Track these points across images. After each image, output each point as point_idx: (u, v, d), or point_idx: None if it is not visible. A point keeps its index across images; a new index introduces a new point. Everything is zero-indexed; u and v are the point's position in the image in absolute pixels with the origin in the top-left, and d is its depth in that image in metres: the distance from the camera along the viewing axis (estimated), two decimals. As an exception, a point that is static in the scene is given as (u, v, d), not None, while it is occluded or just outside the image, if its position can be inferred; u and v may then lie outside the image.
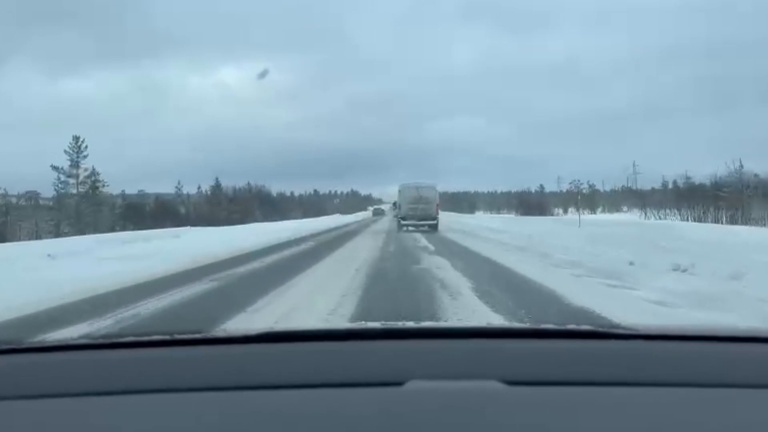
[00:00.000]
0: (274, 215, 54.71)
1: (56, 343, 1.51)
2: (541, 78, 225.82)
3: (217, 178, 67.91)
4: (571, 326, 1.56)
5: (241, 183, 71.62)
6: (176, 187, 72.56)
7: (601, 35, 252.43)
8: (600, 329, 1.48)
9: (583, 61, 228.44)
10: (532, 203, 78.37)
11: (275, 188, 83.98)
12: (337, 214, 69.85)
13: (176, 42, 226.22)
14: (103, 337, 2.10)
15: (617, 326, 1.68)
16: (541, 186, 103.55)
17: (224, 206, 61.60)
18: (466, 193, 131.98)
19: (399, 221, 29.03)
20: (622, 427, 0.97)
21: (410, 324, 1.63)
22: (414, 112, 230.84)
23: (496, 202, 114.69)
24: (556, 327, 1.57)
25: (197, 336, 1.49)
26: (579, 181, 58.37)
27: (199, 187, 75.28)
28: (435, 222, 27.75)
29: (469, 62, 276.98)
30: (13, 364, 1.31)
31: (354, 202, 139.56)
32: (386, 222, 42.09)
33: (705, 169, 67.70)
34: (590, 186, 66.71)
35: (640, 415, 1.00)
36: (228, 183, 70.28)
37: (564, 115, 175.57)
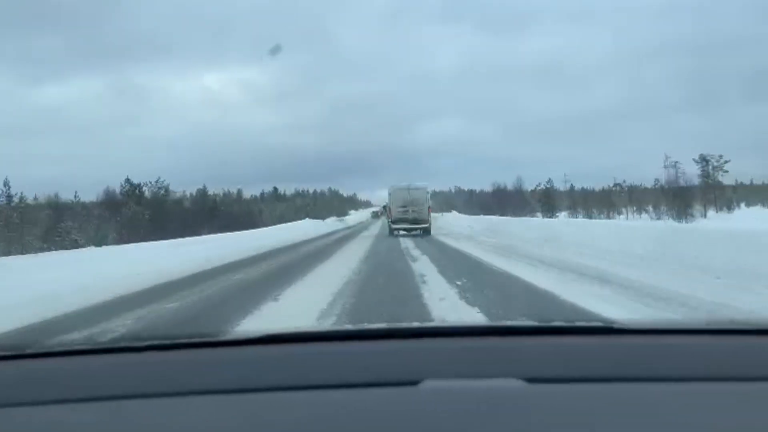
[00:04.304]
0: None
1: (56, 349, 1.47)
2: (529, 77, 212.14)
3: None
4: (583, 323, 1.59)
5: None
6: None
7: (586, 34, 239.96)
8: (610, 326, 1.48)
9: (572, 59, 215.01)
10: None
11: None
12: None
13: (159, 46, 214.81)
14: (104, 342, 1.93)
15: (628, 322, 1.65)
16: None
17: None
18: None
19: (389, 225, 26.79)
20: (647, 423, 0.95)
21: (416, 324, 1.66)
22: (403, 114, 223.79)
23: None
24: (567, 324, 1.56)
25: (203, 340, 1.48)
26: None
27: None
28: (427, 225, 25.76)
29: (456, 63, 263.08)
30: (17, 370, 1.29)
31: (334, 205, 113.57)
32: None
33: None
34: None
35: (663, 411, 0.98)
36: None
37: (553, 115, 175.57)
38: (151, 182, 48.77)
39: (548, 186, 67.14)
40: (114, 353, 1.38)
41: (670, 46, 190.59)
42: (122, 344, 1.47)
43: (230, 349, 1.38)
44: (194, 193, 65.53)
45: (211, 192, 70.68)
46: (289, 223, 41.50)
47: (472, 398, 1.00)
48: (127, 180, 48.84)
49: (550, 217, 57.88)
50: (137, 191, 48.87)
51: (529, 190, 76.48)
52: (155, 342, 1.42)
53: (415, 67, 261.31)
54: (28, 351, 1.39)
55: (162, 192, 48.44)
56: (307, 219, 44.59)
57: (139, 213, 43.15)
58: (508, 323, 1.90)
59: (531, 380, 1.05)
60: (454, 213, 50.82)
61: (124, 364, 1.27)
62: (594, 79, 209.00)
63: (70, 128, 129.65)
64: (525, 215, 57.98)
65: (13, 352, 1.38)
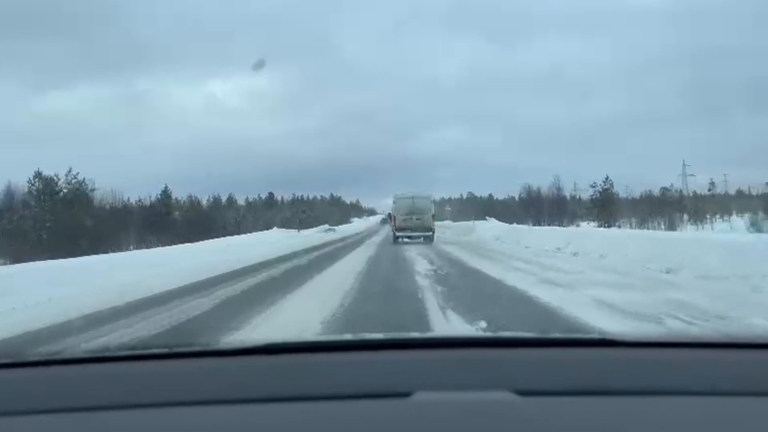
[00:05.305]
0: None
1: (55, 357, 1.46)
2: (535, 85, 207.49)
3: None
4: (579, 335, 1.55)
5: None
6: None
7: (591, 44, 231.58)
8: (609, 338, 1.46)
9: (578, 69, 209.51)
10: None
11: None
12: None
13: (162, 55, 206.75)
14: (102, 350, 1.92)
15: (626, 334, 1.61)
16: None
17: None
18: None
19: (394, 233, 26.76)
20: None
21: (415, 334, 1.66)
22: (408, 122, 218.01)
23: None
24: (564, 336, 1.51)
25: (197, 349, 1.48)
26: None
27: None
28: (431, 233, 26.19)
29: (460, 71, 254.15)
30: (12, 379, 1.28)
31: (333, 212, 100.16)
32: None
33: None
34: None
35: (660, 426, 0.97)
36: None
37: (562, 122, 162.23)
38: (58, 175, 34.53)
39: (607, 188, 53.12)
40: (104, 363, 1.37)
41: (673, 56, 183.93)
42: (113, 354, 1.47)
43: (221, 359, 1.36)
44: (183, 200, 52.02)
45: (203, 199, 58.09)
46: (248, 235, 28.29)
47: (463, 411, 0.99)
48: (37, 174, 35.21)
49: (608, 227, 44.21)
50: (52, 188, 35.02)
51: (571, 194, 63.33)
52: (147, 351, 1.41)
53: (420, 75, 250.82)
54: (12, 360, 1.35)
55: (76, 189, 34.39)
56: (274, 229, 31.22)
57: (35, 219, 29.25)
58: (504, 334, 1.95)
59: (523, 393, 1.04)
60: (493, 222, 36.78)
61: (115, 374, 1.26)
62: (608, 87, 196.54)
63: (66, 135, 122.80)
64: (568, 224, 45.11)
65: (9, 361, 1.34)
